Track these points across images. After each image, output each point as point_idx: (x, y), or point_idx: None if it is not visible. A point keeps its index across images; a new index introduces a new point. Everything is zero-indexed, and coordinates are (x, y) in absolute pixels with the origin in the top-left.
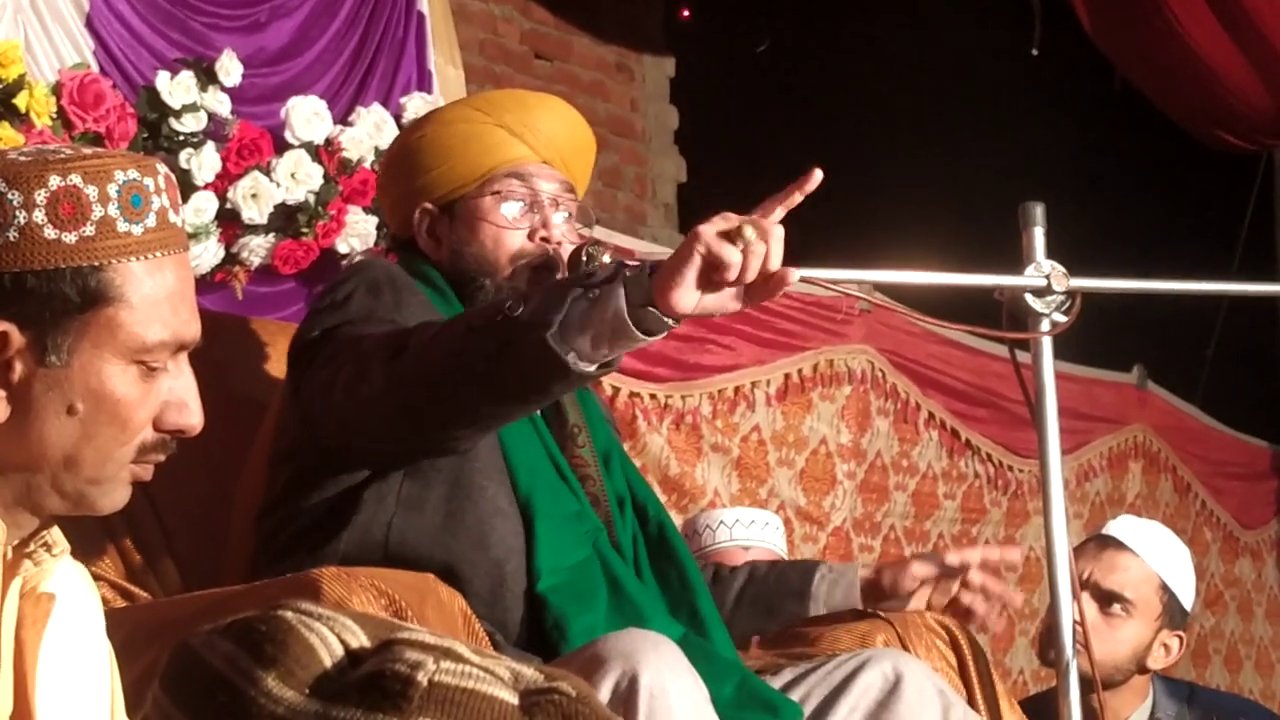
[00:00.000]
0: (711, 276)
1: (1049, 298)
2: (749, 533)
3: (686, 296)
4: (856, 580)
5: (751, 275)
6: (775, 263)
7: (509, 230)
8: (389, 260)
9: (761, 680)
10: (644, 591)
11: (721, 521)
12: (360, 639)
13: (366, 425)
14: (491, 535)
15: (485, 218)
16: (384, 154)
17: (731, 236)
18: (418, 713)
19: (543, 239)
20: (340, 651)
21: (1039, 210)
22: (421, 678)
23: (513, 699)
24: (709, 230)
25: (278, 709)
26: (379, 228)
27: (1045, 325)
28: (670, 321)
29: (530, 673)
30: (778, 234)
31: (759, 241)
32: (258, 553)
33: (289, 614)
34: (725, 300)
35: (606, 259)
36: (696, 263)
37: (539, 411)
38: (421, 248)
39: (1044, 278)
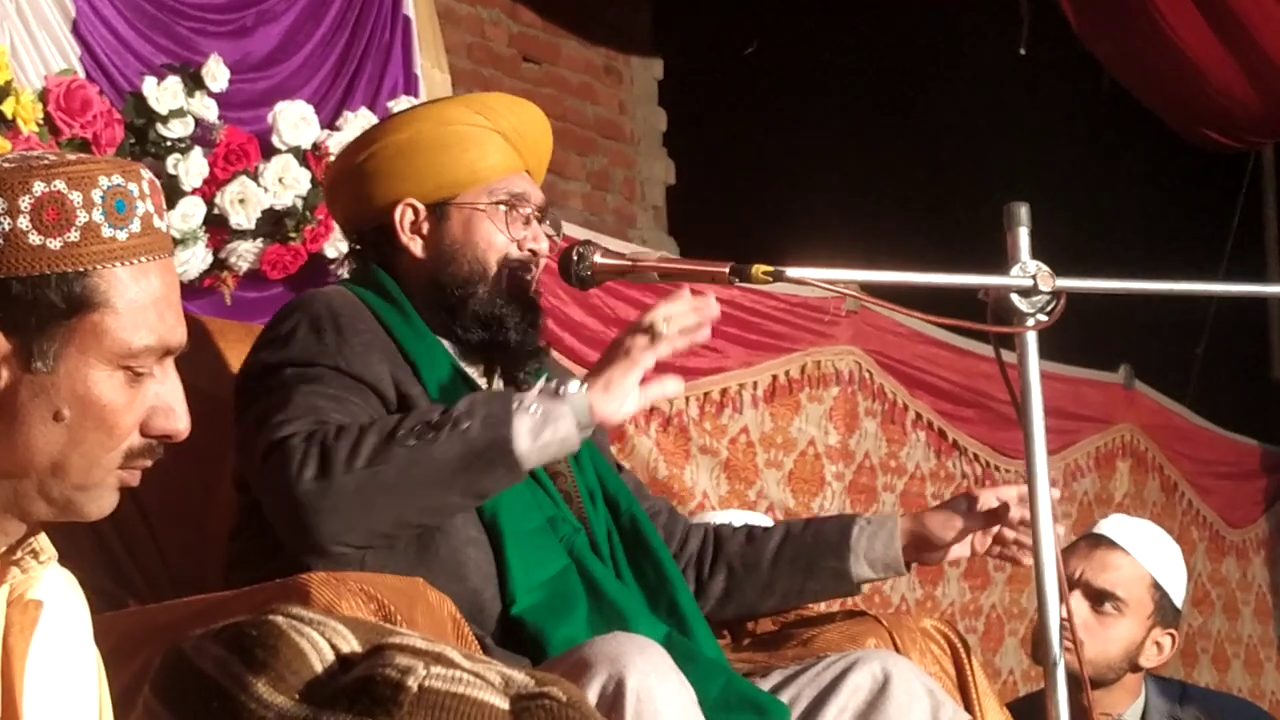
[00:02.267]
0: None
1: (1034, 298)
2: None
3: (629, 404)
4: (896, 532)
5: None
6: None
7: (504, 238)
8: (335, 289)
9: (747, 681)
10: (625, 593)
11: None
12: (351, 644)
13: (297, 518)
14: (466, 565)
15: (484, 223)
16: (353, 144)
17: (648, 332)
18: (408, 718)
19: (531, 250)
20: (331, 656)
21: (1024, 210)
22: (412, 683)
23: (503, 704)
24: (635, 341)
25: (268, 714)
26: None
27: (1030, 324)
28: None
29: (521, 678)
30: (680, 306)
31: (675, 319)
32: (229, 570)
33: (280, 619)
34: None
35: (598, 258)
36: (637, 374)
37: None
38: (400, 242)
39: (1030, 278)
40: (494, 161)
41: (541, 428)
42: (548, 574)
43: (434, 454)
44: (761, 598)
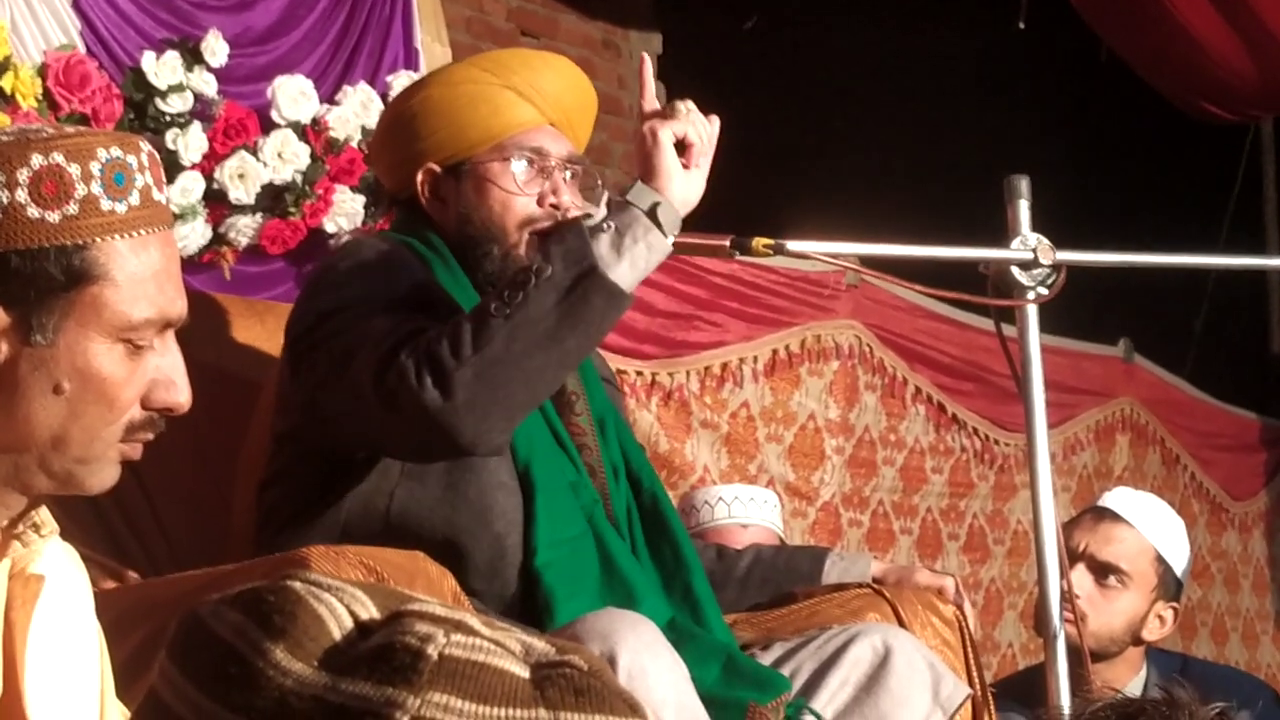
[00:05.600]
0: (682, 156)
1: (1035, 271)
2: (748, 510)
3: (694, 181)
4: (869, 571)
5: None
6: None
7: (518, 196)
8: (378, 236)
9: (749, 656)
10: (637, 570)
11: (720, 498)
12: (370, 610)
13: (438, 428)
14: (494, 509)
15: (495, 182)
16: (384, 113)
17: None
18: (428, 686)
19: (552, 205)
20: (350, 623)
21: (1024, 183)
22: (432, 651)
23: (524, 673)
24: (656, 123)
25: (286, 681)
26: (367, 207)
27: (1031, 297)
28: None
29: (542, 645)
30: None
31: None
32: (261, 525)
33: (298, 584)
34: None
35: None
36: (668, 145)
37: None
38: (425, 209)
39: (1030, 251)
40: (506, 118)
41: (620, 240)
42: (570, 533)
43: (530, 313)
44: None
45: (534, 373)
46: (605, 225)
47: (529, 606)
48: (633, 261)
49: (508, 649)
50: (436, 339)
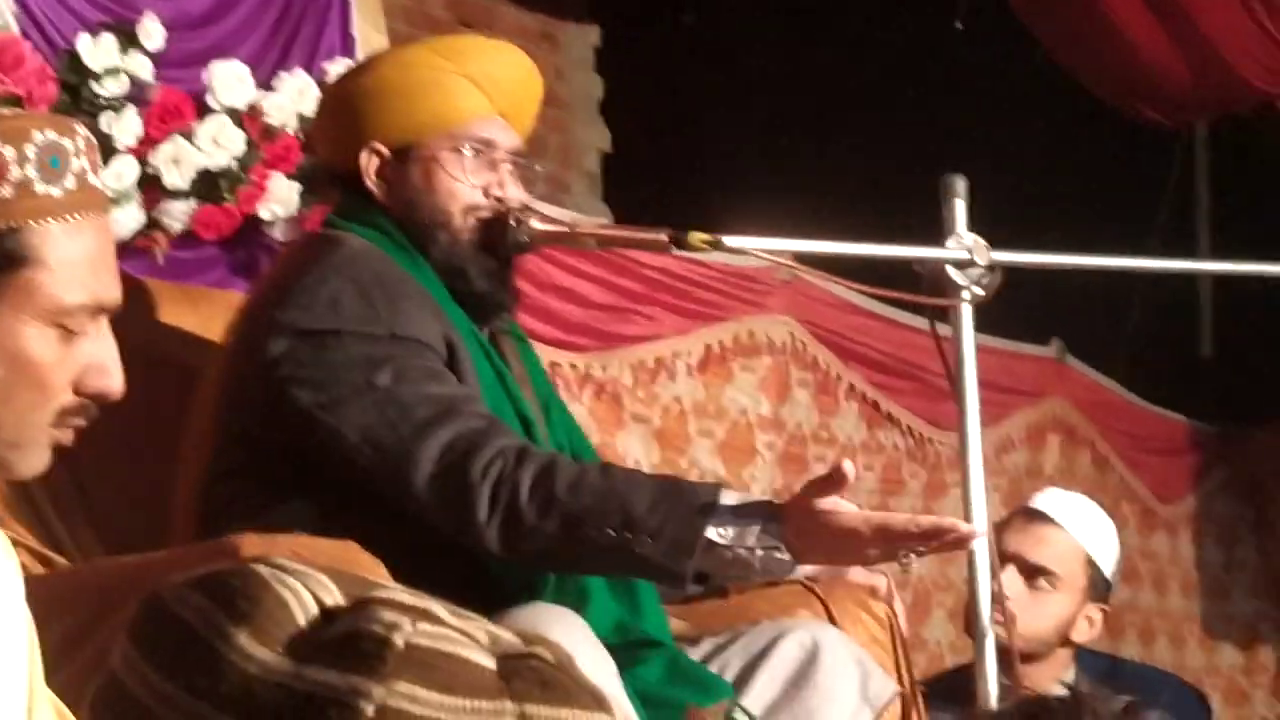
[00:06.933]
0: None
1: (970, 270)
2: None
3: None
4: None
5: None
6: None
7: (465, 186)
8: (343, 231)
9: (691, 659)
10: None
11: None
12: (335, 596)
13: (473, 544)
14: None
15: (444, 170)
16: (334, 84)
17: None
18: (393, 675)
19: (496, 197)
20: (315, 609)
21: (960, 183)
22: (398, 640)
23: (490, 664)
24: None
25: (250, 667)
26: (302, 194)
27: (966, 297)
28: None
29: (509, 637)
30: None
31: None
32: (213, 514)
33: (263, 568)
34: None
35: (536, 224)
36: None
37: (499, 360)
38: (368, 187)
39: (966, 250)
40: (459, 106)
41: (716, 563)
42: None
43: (608, 557)
44: None
45: (570, 570)
46: (722, 536)
47: (486, 595)
48: (712, 571)
49: (474, 639)
50: (529, 494)
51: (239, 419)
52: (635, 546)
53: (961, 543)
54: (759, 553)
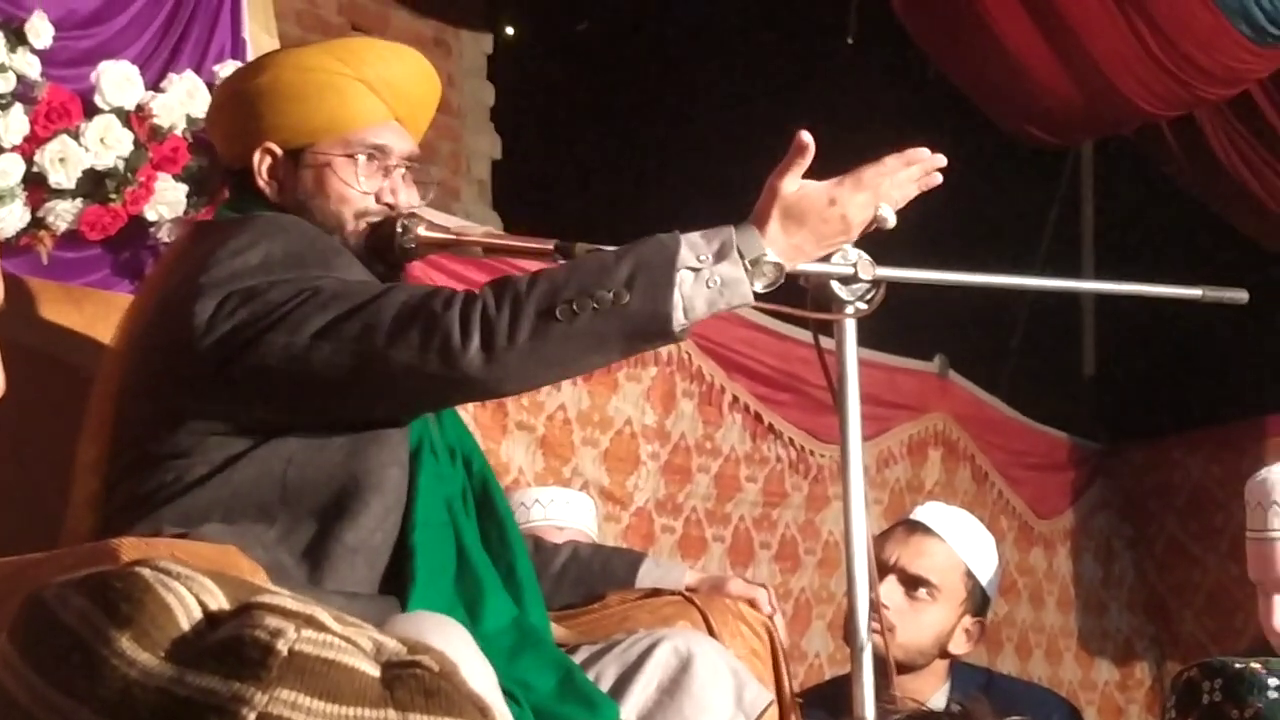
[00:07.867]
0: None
1: (854, 286)
2: (563, 513)
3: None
4: (683, 579)
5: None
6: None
7: (356, 191)
8: (281, 216)
9: (585, 675)
10: (486, 564)
11: (536, 500)
12: (220, 601)
13: (466, 382)
14: (387, 484)
15: (337, 174)
16: (230, 80)
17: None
18: (277, 683)
19: (387, 203)
20: (199, 613)
21: None
22: (282, 646)
23: (374, 671)
24: (856, 219)
25: (131, 671)
26: (189, 196)
27: (850, 312)
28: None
29: (393, 644)
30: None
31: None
32: (117, 510)
33: (146, 571)
34: None
35: (422, 230)
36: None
37: None
38: (259, 186)
39: (850, 266)
40: (355, 111)
41: (709, 294)
42: (438, 518)
43: (593, 327)
44: None
45: (573, 369)
46: (705, 276)
47: (392, 586)
48: (709, 311)
49: (359, 646)
50: (496, 306)
51: (160, 404)
52: (618, 303)
53: (929, 173)
54: (745, 265)
